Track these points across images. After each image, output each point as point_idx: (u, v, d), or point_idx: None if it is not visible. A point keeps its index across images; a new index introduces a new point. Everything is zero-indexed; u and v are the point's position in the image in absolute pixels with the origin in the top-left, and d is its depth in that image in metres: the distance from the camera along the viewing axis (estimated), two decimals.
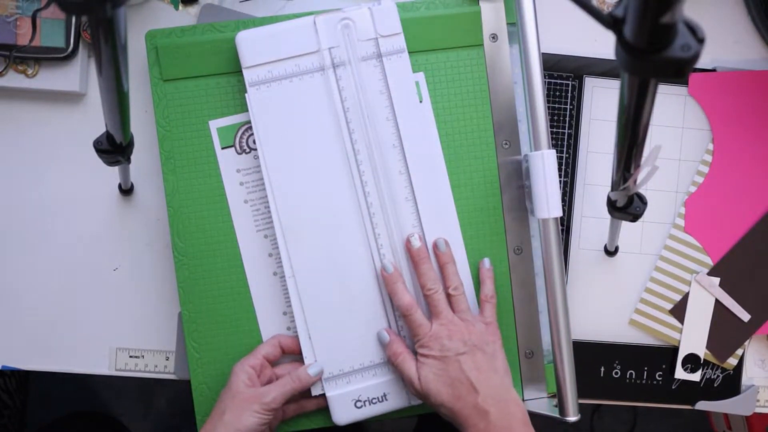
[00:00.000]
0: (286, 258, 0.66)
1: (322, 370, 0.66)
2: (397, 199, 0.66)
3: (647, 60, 0.35)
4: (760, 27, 0.72)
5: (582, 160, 0.72)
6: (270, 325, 0.68)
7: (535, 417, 0.63)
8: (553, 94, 0.71)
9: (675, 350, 0.72)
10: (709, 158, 0.72)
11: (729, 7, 0.73)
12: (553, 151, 0.63)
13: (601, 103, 0.72)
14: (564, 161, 0.72)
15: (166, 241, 0.71)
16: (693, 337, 0.71)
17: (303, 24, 0.65)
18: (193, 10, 0.71)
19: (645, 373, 0.72)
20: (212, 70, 0.67)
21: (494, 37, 0.68)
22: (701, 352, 0.71)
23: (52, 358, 0.71)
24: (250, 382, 0.63)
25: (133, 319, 0.71)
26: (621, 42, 0.36)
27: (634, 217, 0.58)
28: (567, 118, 0.71)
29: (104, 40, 0.41)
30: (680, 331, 0.71)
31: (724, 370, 0.72)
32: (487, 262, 0.67)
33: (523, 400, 0.68)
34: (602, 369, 0.72)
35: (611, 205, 0.59)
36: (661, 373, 0.72)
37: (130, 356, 0.71)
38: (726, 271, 0.71)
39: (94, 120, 0.71)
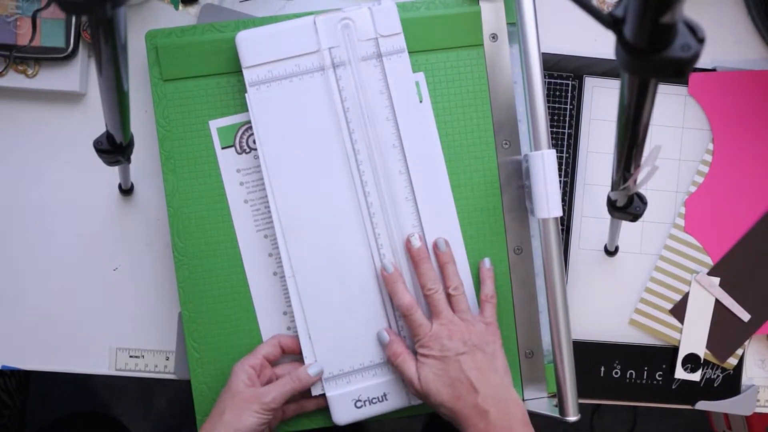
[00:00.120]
0: (286, 258, 0.66)
1: (322, 370, 0.66)
2: (397, 199, 0.66)
3: (647, 60, 0.35)
4: (760, 27, 0.72)
5: (582, 160, 0.72)
6: (270, 325, 0.68)
7: (535, 417, 0.63)
8: (553, 94, 0.71)
9: (675, 350, 0.72)
10: (709, 158, 0.72)
11: (729, 7, 0.73)
12: (553, 151, 0.63)
13: (601, 103, 0.72)
14: (564, 161, 0.72)
15: (166, 241, 0.71)
16: (693, 337, 0.71)
17: (303, 24, 0.65)
18: (193, 10, 0.71)
19: (645, 373, 0.72)
20: (212, 70, 0.67)
21: (494, 37, 0.68)
22: (701, 352, 0.71)
23: (52, 358, 0.71)
24: (249, 382, 0.63)
25: (133, 319, 0.71)
26: (621, 42, 0.36)
27: (634, 217, 0.58)
28: (567, 118, 0.71)
29: (104, 40, 0.41)
30: (680, 331, 0.71)
31: (724, 370, 0.72)
32: (487, 262, 0.67)
33: (523, 400, 0.68)
34: (602, 369, 0.72)
35: (611, 205, 0.59)
36: (661, 373, 0.72)
37: (130, 356, 0.71)
38: (726, 271, 0.71)
39: (94, 120, 0.71)
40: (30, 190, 0.71)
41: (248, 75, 0.65)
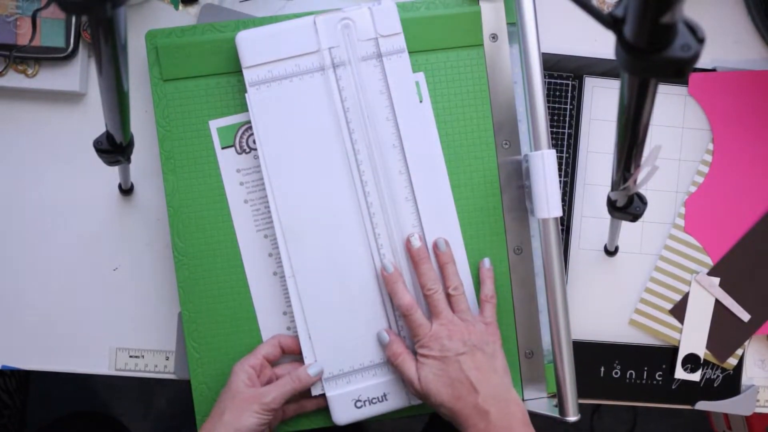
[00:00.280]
0: (286, 258, 0.66)
1: (322, 370, 0.66)
2: (397, 199, 0.66)
3: (647, 60, 0.35)
4: (760, 27, 0.72)
5: (582, 160, 0.72)
6: (270, 325, 0.68)
7: (535, 417, 0.63)
8: (553, 94, 0.71)
9: (675, 350, 0.72)
10: (709, 158, 0.72)
11: (729, 7, 0.73)
12: (553, 151, 0.63)
13: (601, 103, 0.72)
14: (564, 161, 0.72)
15: (166, 241, 0.71)
16: (693, 337, 0.71)
17: (303, 24, 0.65)
18: (193, 10, 0.71)
19: (645, 373, 0.72)
20: (212, 70, 0.67)
21: (494, 37, 0.68)
22: (701, 352, 0.71)
23: (52, 358, 0.71)
24: (250, 382, 0.63)
25: (133, 319, 0.71)
26: (621, 42, 0.36)
27: (634, 217, 0.58)
28: (567, 118, 0.71)
29: (104, 40, 0.41)
30: (680, 331, 0.71)
31: (724, 370, 0.72)
32: (487, 262, 0.67)
33: (523, 400, 0.68)
34: (602, 369, 0.72)
35: (611, 205, 0.59)
36: (661, 373, 0.72)
37: (130, 356, 0.71)
38: (726, 271, 0.71)
39: (94, 120, 0.71)
40: (30, 190, 0.71)
41: (248, 75, 0.65)
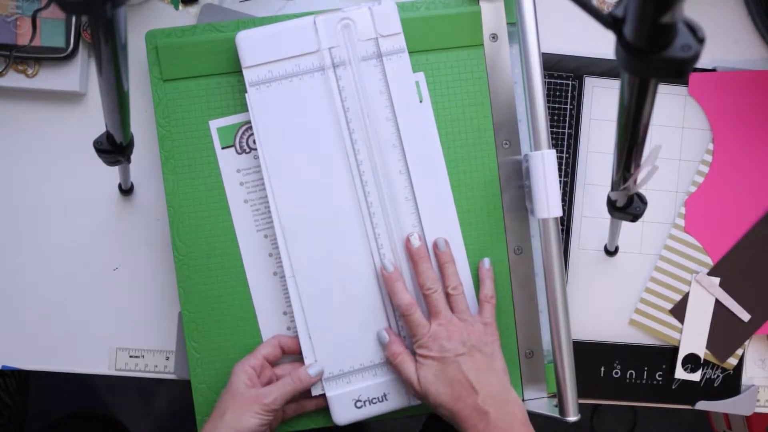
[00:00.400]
0: (286, 258, 0.66)
1: (322, 371, 0.66)
2: (397, 198, 0.66)
3: (647, 60, 0.35)
4: (760, 27, 0.72)
5: (582, 160, 0.72)
6: (270, 325, 0.68)
7: (535, 417, 0.63)
8: (553, 94, 0.71)
9: (675, 350, 0.72)
10: (709, 158, 0.72)
11: (729, 7, 0.73)
12: (553, 151, 0.63)
13: (601, 103, 0.72)
14: (564, 161, 0.72)
15: (166, 241, 0.71)
16: (693, 337, 0.71)
17: (303, 24, 0.65)
18: (193, 10, 0.71)
19: (645, 373, 0.72)
20: (212, 70, 0.67)
21: (494, 37, 0.68)
22: (701, 352, 0.71)
23: (52, 358, 0.71)
24: (250, 382, 0.63)
25: (133, 319, 0.71)
26: (621, 42, 0.36)
27: (634, 217, 0.58)
28: (567, 118, 0.71)
29: (104, 40, 0.41)
30: (680, 331, 0.71)
31: (724, 370, 0.72)
32: (486, 262, 0.67)
33: (523, 400, 0.68)
34: (602, 369, 0.72)
35: (611, 205, 0.59)
36: (661, 373, 0.72)
37: (130, 356, 0.71)
38: (726, 271, 0.71)
39: (94, 120, 0.71)
40: (30, 190, 0.71)
41: (248, 75, 0.65)
